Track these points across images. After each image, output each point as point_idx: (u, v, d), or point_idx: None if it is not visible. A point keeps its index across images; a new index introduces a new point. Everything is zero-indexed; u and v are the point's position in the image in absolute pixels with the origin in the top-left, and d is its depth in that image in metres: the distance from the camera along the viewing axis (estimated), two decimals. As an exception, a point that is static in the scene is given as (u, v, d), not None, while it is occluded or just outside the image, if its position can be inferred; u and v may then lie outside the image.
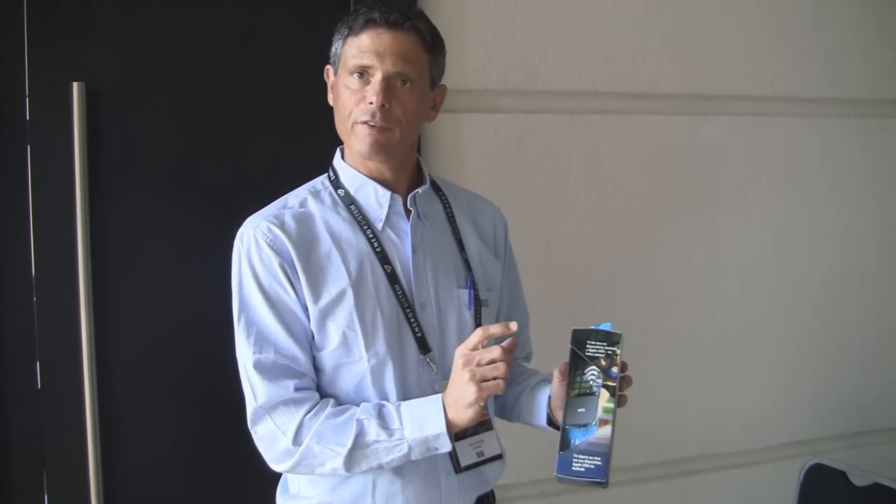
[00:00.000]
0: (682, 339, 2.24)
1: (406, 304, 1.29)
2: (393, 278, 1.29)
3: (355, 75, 1.26)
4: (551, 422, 1.32)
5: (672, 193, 2.21)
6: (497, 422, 1.41)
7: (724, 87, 2.24)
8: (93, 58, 1.66)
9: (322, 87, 1.37)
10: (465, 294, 1.36)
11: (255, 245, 1.26)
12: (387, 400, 1.27)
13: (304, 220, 1.30)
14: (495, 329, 1.18)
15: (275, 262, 1.25)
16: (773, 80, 2.30)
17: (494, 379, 1.15)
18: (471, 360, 1.17)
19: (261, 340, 1.25)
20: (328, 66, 1.34)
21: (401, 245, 1.32)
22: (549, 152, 2.07)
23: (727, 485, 2.33)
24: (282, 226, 1.27)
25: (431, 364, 1.30)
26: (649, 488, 2.23)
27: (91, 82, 1.64)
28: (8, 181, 1.63)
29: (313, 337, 1.27)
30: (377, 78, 1.24)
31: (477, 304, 1.37)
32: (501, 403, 1.46)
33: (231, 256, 1.30)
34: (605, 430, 1.12)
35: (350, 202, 1.33)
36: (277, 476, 1.37)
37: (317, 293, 1.26)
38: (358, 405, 1.25)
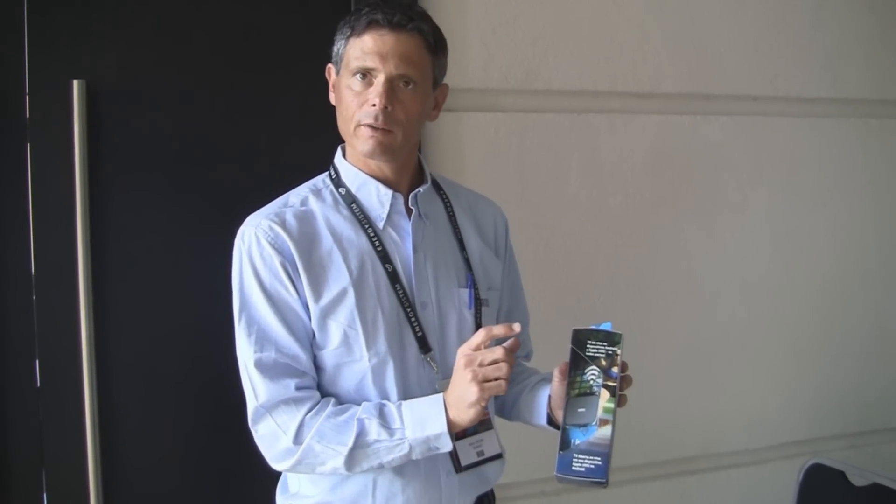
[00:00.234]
0: (682, 339, 2.24)
1: (407, 304, 1.29)
2: (394, 277, 1.29)
3: (358, 76, 1.25)
4: (551, 421, 1.32)
5: (672, 193, 2.21)
6: (497, 421, 1.42)
7: (725, 87, 2.24)
8: (93, 56, 1.66)
9: (323, 85, 1.37)
10: (465, 293, 1.36)
11: (256, 243, 1.26)
12: (387, 399, 1.27)
13: (305, 218, 1.30)
14: (498, 330, 1.17)
15: (276, 260, 1.25)
16: (774, 79, 2.30)
17: (496, 379, 1.15)
18: (473, 360, 1.17)
19: (262, 339, 1.25)
20: (329, 65, 1.34)
21: (402, 244, 1.32)
22: (549, 151, 2.07)
23: (727, 484, 2.33)
24: (283, 224, 1.27)
25: (432, 363, 1.30)
26: (649, 488, 2.23)
27: (91, 80, 1.64)
28: (8, 179, 1.63)
29: (314, 336, 1.27)
30: (380, 80, 1.24)
31: (477, 304, 1.37)
32: (501, 402, 1.46)
33: (232, 255, 1.30)
34: (606, 430, 1.12)
35: (351, 201, 1.33)
36: (277, 475, 1.37)
37: (318, 292, 1.26)
38: (359, 404, 1.25)
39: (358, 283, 1.27)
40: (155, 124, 1.71)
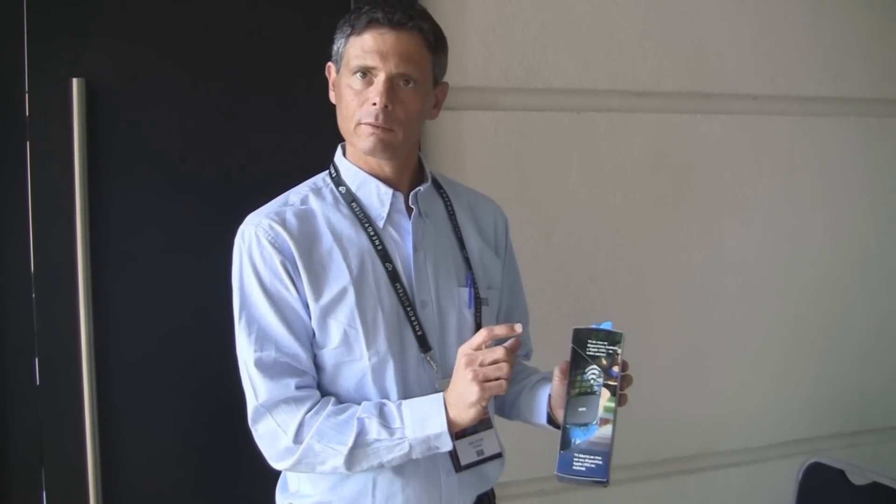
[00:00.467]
0: (682, 338, 2.24)
1: (407, 303, 1.29)
2: (394, 276, 1.29)
3: (358, 75, 1.25)
4: (551, 420, 1.32)
5: (672, 191, 2.21)
6: (497, 420, 1.41)
7: (725, 86, 2.24)
8: (92, 54, 1.65)
9: (323, 84, 1.36)
10: (465, 292, 1.36)
11: (256, 242, 1.26)
12: (387, 398, 1.27)
13: (305, 217, 1.30)
14: (500, 330, 1.17)
15: (276, 259, 1.25)
16: (774, 78, 2.30)
17: (497, 379, 1.15)
18: (474, 359, 1.16)
19: (262, 338, 1.24)
20: (329, 63, 1.34)
21: (402, 243, 1.32)
22: (549, 150, 2.07)
23: (726, 483, 2.33)
24: (283, 223, 1.27)
25: (432, 362, 1.30)
26: (649, 486, 2.23)
27: (91, 79, 1.64)
28: (7, 178, 1.63)
29: (314, 335, 1.27)
30: (380, 79, 1.24)
31: (477, 303, 1.36)
32: (501, 401, 1.46)
33: (232, 254, 1.30)
34: (606, 430, 1.12)
35: (351, 199, 1.32)
36: (277, 474, 1.37)
37: (318, 291, 1.26)
38: (359, 403, 1.25)
39: (358, 282, 1.27)
40: (154, 122, 1.71)
